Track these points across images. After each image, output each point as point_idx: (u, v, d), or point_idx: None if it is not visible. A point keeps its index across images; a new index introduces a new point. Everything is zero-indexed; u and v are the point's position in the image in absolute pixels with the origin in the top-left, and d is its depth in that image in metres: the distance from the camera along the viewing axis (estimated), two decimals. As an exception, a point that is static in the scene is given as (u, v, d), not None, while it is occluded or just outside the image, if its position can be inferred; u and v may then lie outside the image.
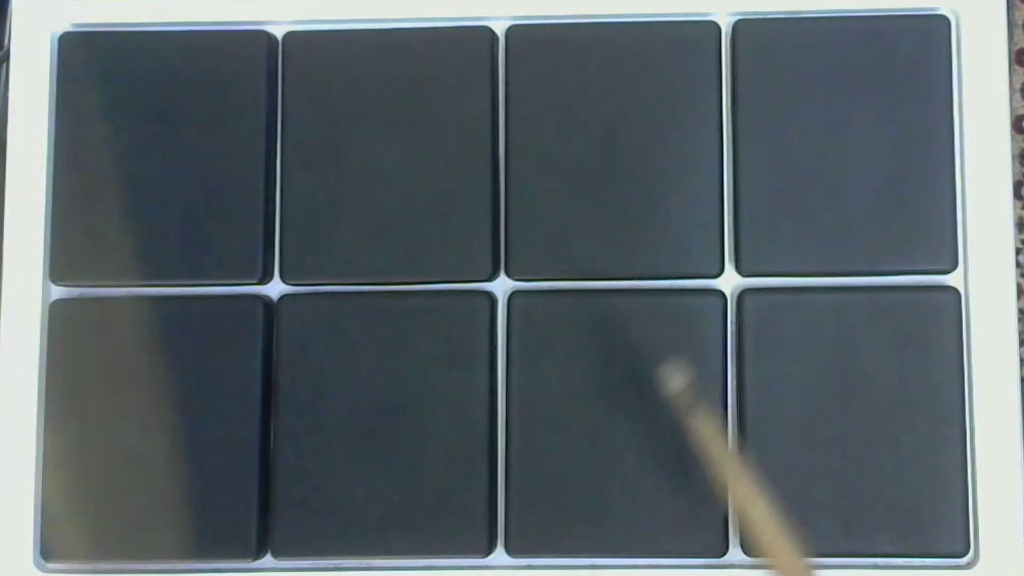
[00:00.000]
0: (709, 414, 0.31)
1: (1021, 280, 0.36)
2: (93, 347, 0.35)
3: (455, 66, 0.35)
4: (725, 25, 0.35)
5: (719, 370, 0.34)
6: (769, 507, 0.29)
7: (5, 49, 0.38)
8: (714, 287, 0.35)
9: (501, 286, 0.35)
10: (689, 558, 0.34)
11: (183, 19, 0.36)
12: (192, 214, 0.35)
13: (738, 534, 0.34)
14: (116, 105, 0.36)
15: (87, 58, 0.36)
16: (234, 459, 0.34)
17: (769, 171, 0.35)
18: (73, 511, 0.35)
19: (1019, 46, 0.38)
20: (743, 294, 0.34)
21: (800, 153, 0.35)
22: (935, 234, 0.34)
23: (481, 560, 0.34)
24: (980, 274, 0.34)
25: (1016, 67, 0.38)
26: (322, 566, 0.35)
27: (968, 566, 0.34)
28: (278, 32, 0.36)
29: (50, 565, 0.35)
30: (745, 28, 0.35)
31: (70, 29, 0.36)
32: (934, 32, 0.35)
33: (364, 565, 0.35)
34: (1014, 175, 0.35)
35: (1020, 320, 0.35)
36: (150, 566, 0.34)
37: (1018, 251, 0.35)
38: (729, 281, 0.35)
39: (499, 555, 0.34)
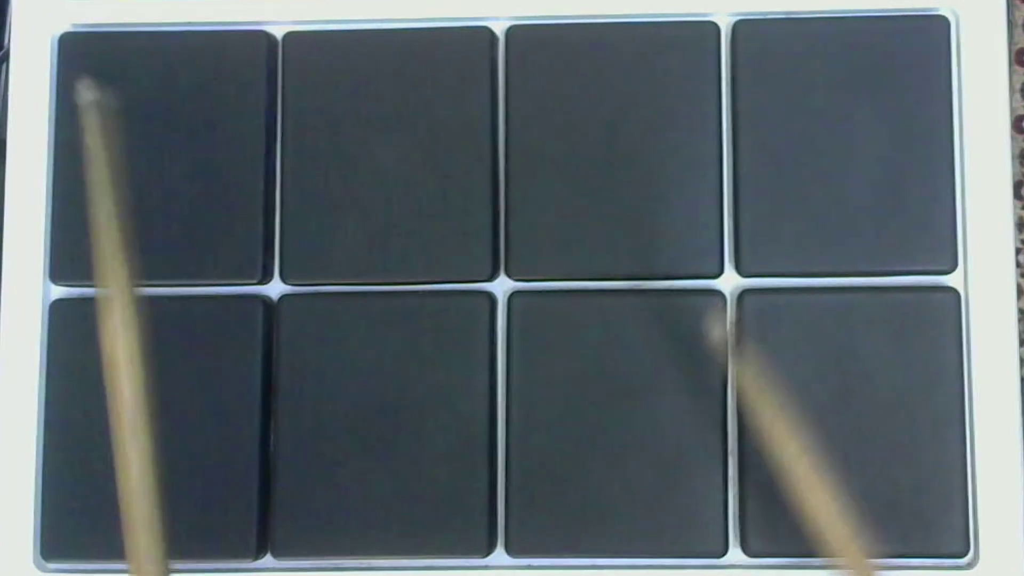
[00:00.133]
0: (757, 367, 0.29)
1: (1021, 280, 0.36)
2: (93, 347, 0.35)
3: (455, 66, 0.35)
4: (725, 25, 0.35)
5: (719, 370, 0.34)
6: (819, 465, 0.27)
7: (5, 49, 0.38)
8: (714, 287, 0.35)
9: (501, 286, 0.35)
10: (689, 558, 0.34)
11: (183, 19, 0.36)
12: (192, 214, 0.35)
13: (738, 533, 0.34)
14: (116, 105, 0.36)
15: (87, 58, 0.36)
16: (234, 459, 0.34)
17: (769, 171, 0.35)
18: (73, 511, 0.35)
19: (1019, 46, 0.38)
20: (743, 294, 0.34)
21: (800, 153, 0.35)
22: (935, 234, 0.34)
23: (481, 560, 0.34)
24: (980, 274, 0.34)
25: (1016, 67, 0.38)
26: (322, 566, 0.35)
27: (968, 566, 0.34)
28: (278, 32, 0.36)
29: (50, 565, 0.35)
30: (745, 28, 0.35)
31: (70, 29, 0.36)
32: (934, 32, 0.35)
33: (364, 565, 0.35)
34: (1014, 175, 0.35)
35: (1020, 320, 0.35)
36: (150, 566, 0.34)
37: (1018, 251, 0.35)
38: (729, 281, 0.35)
39: (499, 555, 0.34)
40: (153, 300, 0.35)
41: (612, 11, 0.36)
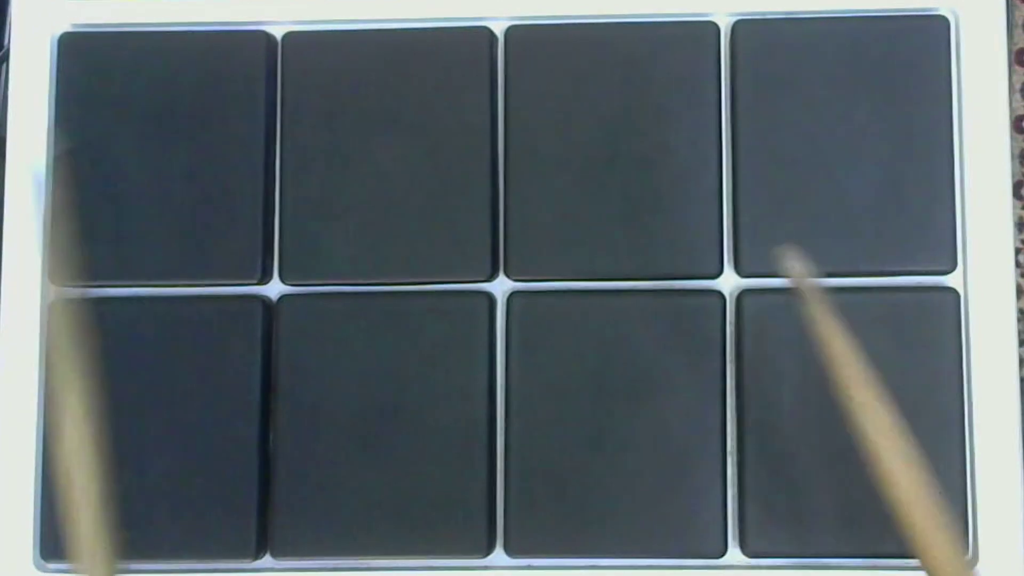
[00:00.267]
0: (831, 310, 0.28)
1: (1021, 280, 0.36)
2: (93, 347, 0.35)
3: (455, 66, 0.35)
4: (725, 25, 0.35)
5: (718, 370, 0.34)
6: (899, 422, 0.25)
7: (5, 49, 0.38)
8: (713, 287, 0.35)
9: (500, 286, 0.35)
10: (688, 558, 0.34)
11: (183, 19, 0.36)
12: (192, 214, 0.35)
13: (737, 533, 0.34)
14: (116, 105, 0.36)
15: (87, 58, 0.36)
16: (234, 459, 0.34)
17: (769, 171, 0.35)
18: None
19: (1019, 46, 0.38)
20: (742, 294, 0.34)
21: (800, 153, 0.35)
22: (935, 234, 0.34)
23: (480, 560, 0.34)
24: (980, 274, 0.34)
25: (1016, 67, 0.38)
26: (322, 566, 0.35)
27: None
28: (278, 32, 0.36)
29: (50, 565, 0.35)
30: (745, 28, 0.35)
31: (70, 29, 0.36)
32: (934, 32, 0.35)
33: (364, 565, 0.35)
34: (1014, 175, 0.35)
35: (1020, 320, 0.35)
36: (150, 566, 0.34)
37: (1018, 251, 0.35)
38: (728, 281, 0.35)
39: (498, 555, 0.34)
40: (153, 300, 0.35)
41: (612, 11, 0.36)
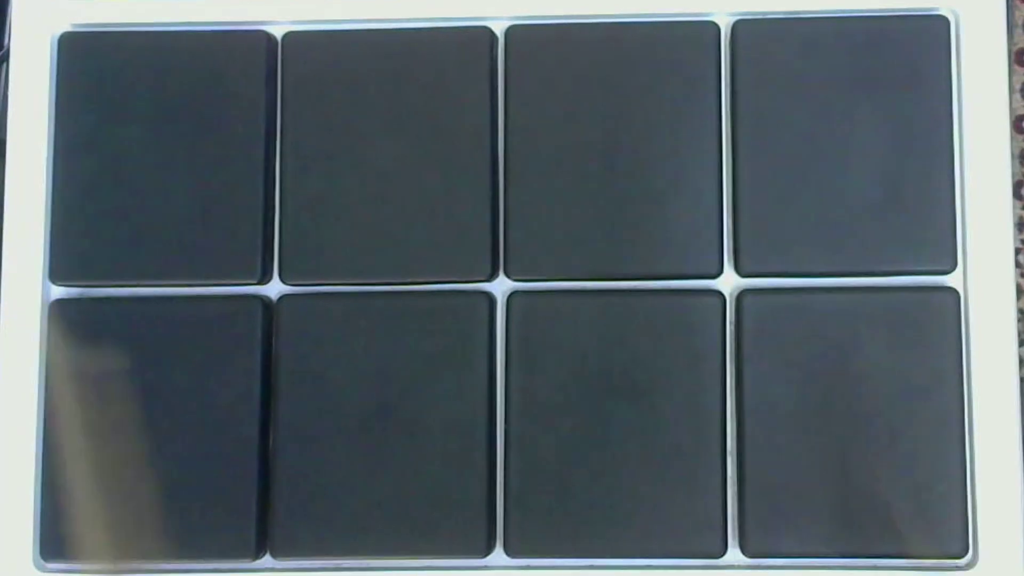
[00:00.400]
0: None
1: (1021, 280, 0.36)
2: (93, 347, 0.35)
3: (455, 66, 0.35)
4: (725, 25, 0.35)
5: (718, 370, 0.34)
6: None
7: (5, 49, 0.38)
8: (713, 287, 0.35)
9: (500, 286, 0.35)
10: (688, 558, 0.34)
11: (183, 19, 0.36)
12: (192, 214, 0.35)
13: (737, 533, 0.34)
14: (116, 105, 0.36)
15: (87, 58, 0.36)
16: (234, 459, 0.34)
17: (769, 171, 0.35)
18: (73, 511, 0.35)
19: (1019, 46, 0.38)
20: (742, 294, 0.34)
21: (800, 153, 0.35)
22: (935, 234, 0.34)
23: (480, 560, 0.34)
24: (980, 274, 0.34)
25: (1016, 67, 0.38)
26: (321, 566, 0.35)
27: (968, 567, 0.34)
28: (278, 32, 0.36)
29: (50, 565, 0.35)
30: (745, 28, 0.35)
31: (70, 29, 0.36)
32: (934, 32, 0.35)
33: (363, 565, 0.35)
34: (1014, 175, 0.35)
35: (1020, 320, 0.35)
36: (150, 566, 0.34)
37: (1018, 251, 0.35)
38: (728, 281, 0.35)
39: (498, 555, 0.34)
40: (153, 300, 0.35)
41: (612, 11, 0.36)
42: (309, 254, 0.35)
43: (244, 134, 0.35)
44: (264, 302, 0.35)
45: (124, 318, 0.35)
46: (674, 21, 0.35)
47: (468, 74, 0.35)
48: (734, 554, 0.34)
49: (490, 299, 0.35)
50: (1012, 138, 0.35)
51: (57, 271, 0.35)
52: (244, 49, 0.36)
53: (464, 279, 0.35)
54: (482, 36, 0.36)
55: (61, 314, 0.35)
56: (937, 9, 0.35)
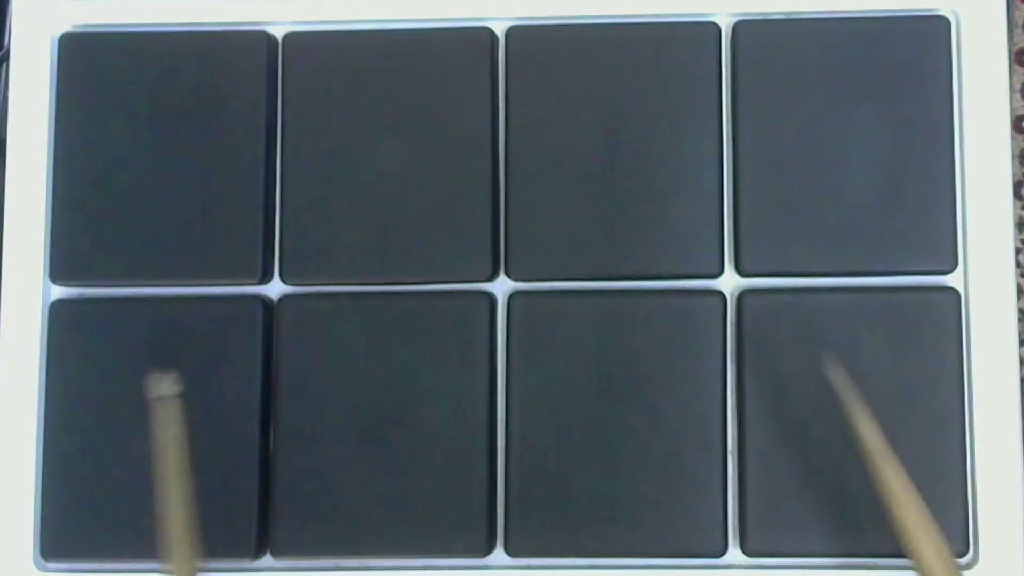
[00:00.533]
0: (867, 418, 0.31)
1: (1021, 280, 0.36)
2: (93, 347, 0.35)
3: (455, 66, 0.35)
4: (725, 26, 0.35)
5: (719, 370, 0.34)
6: (910, 485, 0.29)
7: (5, 49, 0.38)
8: (714, 288, 0.35)
9: (501, 287, 0.35)
10: (688, 558, 0.34)
11: (183, 19, 0.36)
12: (192, 214, 0.35)
13: (737, 533, 0.34)
14: (116, 105, 0.36)
15: (87, 58, 0.36)
16: (234, 459, 0.34)
17: (769, 171, 0.35)
18: (73, 511, 0.35)
19: (1019, 46, 0.38)
20: (743, 295, 0.34)
21: (800, 153, 0.35)
22: (935, 234, 0.34)
23: (480, 560, 0.34)
24: (980, 274, 0.34)
25: (1016, 67, 0.38)
26: (322, 566, 0.35)
27: (968, 566, 0.34)
28: (278, 32, 0.36)
29: (50, 565, 0.35)
30: (745, 29, 0.35)
31: (70, 29, 0.36)
32: (934, 32, 0.35)
33: (364, 565, 0.35)
34: (1014, 175, 0.35)
35: (1020, 320, 0.35)
36: (150, 566, 0.34)
37: (1018, 251, 0.35)
38: (729, 282, 0.35)
39: (498, 555, 0.34)
40: (153, 300, 0.35)
41: (612, 11, 0.36)
42: (310, 254, 0.35)
43: (244, 134, 0.35)
44: (265, 302, 0.35)
45: (124, 318, 0.35)
46: (675, 22, 0.35)
47: (469, 75, 0.35)
48: (734, 554, 0.34)
49: (491, 299, 0.35)
50: (1012, 138, 0.35)
51: (57, 271, 0.35)
52: (244, 49, 0.36)
53: (465, 279, 0.35)
54: (483, 37, 0.36)
55: (61, 314, 0.35)
56: (937, 9, 0.35)
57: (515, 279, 0.35)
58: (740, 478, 0.34)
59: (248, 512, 0.34)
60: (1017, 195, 0.36)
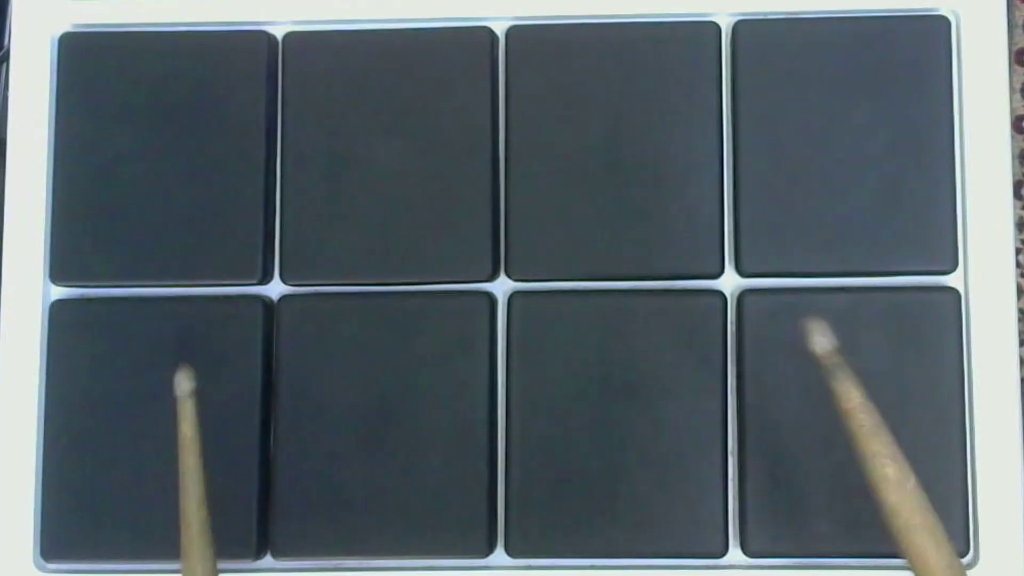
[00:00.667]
0: (854, 381, 0.29)
1: (1021, 280, 0.36)
2: (93, 347, 0.35)
3: (455, 66, 0.35)
4: (725, 25, 0.35)
5: (719, 370, 0.34)
6: (918, 491, 0.28)
7: (5, 49, 0.38)
8: (714, 287, 0.35)
9: (501, 287, 0.35)
10: (689, 558, 0.34)
11: (183, 19, 0.36)
12: (192, 214, 0.35)
13: (738, 533, 0.34)
14: (116, 105, 0.36)
15: (87, 58, 0.36)
16: (234, 459, 0.34)
17: (769, 171, 0.35)
18: (73, 511, 0.35)
19: (1019, 46, 0.38)
20: (743, 295, 0.34)
21: (800, 153, 0.35)
22: (935, 234, 0.34)
23: (481, 560, 0.34)
24: (980, 274, 0.34)
25: (1016, 67, 0.38)
26: (322, 566, 0.35)
27: (968, 566, 0.34)
28: (278, 32, 0.36)
29: (50, 565, 0.35)
30: (745, 28, 0.35)
31: (70, 29, 0.36)
32: (934, 32, 0.35)
33: (364, 565, 0.35)
34: (1014, 175, 0.35)
35: (1020, 320, 0.35)
36: (150, 566, 0.34)
37: (1018, 251, 0.35)
38: (729, 282, 0.35)
39: (499, 555, 0.34)
40: (153, 300, 0.35)
41: (612, 11, 0.36)
42: (310, 254, 0.35)
43: (244, 134, 0.35)
44: (265, 302, 0.35)
45: (124, 318, 0.35)
46: (675, 21, 0.35)
47: (469, 74, 0.35)
48: (735, 554, 0.34)
49: (491, 299, 0.35)
50: (1012, 138, 0.35)
51: (57, 271, 0.35)
52: (244, 49, 0.36)
53: (465, 279, 0.35)
54: (483, 36, 0.36)
55: (61, 314, 0.35)
56: (937, 9, 0.35)
57: (515, 279, 0.35)
58: (740, 478, 0.34)
59: (248, 512, 0.34)
60: (1017, 195, 0.36)
